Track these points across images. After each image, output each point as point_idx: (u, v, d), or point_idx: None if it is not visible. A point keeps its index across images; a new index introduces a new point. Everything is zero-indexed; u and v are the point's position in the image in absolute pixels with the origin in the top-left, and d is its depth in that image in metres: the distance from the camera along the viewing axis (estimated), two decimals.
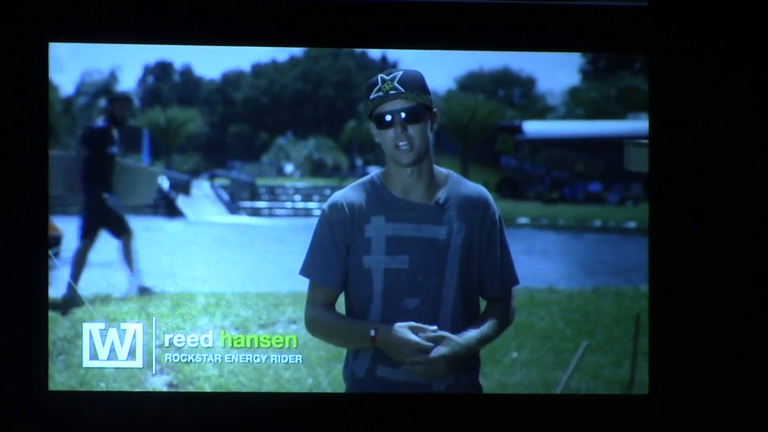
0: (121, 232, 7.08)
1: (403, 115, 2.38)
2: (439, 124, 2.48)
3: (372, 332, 2.34)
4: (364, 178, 2.50)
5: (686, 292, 2.49)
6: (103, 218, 6.99)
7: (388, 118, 2.38)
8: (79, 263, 6.88)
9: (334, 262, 2.43)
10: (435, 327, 2.33)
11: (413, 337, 2.30)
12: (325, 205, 2.47)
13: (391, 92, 2.38)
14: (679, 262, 2.49)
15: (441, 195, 2.42)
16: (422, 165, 2.41)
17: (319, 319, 2.44)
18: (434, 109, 2.44)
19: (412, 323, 2.33)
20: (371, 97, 2.39)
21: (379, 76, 2.41)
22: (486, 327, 2.39)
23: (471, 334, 2.35)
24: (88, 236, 6.95)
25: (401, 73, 2.42)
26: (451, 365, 2.31)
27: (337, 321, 2.42)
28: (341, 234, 2.42)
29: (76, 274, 6.97)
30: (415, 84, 2.40)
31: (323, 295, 2.45)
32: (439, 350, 2.30)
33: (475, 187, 2.48)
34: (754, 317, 2.49)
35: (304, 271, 2.47)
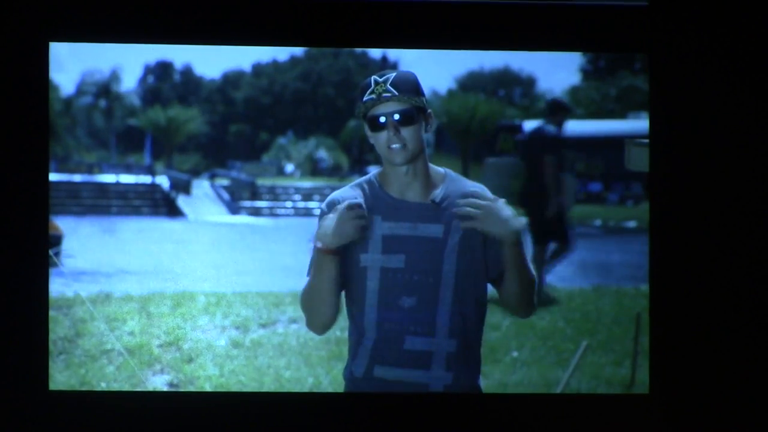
0: (562, 238, 6.86)
1: (396, 117, 2.38)
2: (438, 124, 2.48)
3: (318, 244, 2.34)
4: (362, 178, 2.51)
5: (686, 291, 2.49)
6: (558, 223, 6.78)
7: (382, 120, 2.38)
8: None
9: None
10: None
11: (339, 209, 2.34)
12: (323, 204, 2.47)
13: (384, 95, 2.38)
14: (679, 262, 2.49)
15: (438, 193, 2.42)
16: (417, 164, 2.42)
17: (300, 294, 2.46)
18: (428, 110, 2.44)
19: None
20: (364, 99, 2.39)
21: (372, 78, 2.42)
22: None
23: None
24: (541, 243, 6.76)
25: (394, 75, 2.42)
26: (489, 217, 2.32)
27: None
28: None
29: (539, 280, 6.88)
30: (407, 86, 2.39)
31: None
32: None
33: (474, 186, 2.47)
34: (755, 317, 2.49)
35: (308, 270, 2.48)
